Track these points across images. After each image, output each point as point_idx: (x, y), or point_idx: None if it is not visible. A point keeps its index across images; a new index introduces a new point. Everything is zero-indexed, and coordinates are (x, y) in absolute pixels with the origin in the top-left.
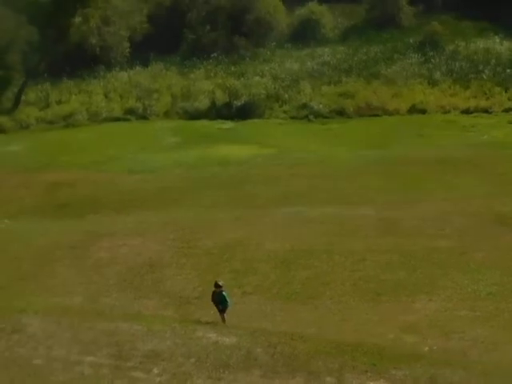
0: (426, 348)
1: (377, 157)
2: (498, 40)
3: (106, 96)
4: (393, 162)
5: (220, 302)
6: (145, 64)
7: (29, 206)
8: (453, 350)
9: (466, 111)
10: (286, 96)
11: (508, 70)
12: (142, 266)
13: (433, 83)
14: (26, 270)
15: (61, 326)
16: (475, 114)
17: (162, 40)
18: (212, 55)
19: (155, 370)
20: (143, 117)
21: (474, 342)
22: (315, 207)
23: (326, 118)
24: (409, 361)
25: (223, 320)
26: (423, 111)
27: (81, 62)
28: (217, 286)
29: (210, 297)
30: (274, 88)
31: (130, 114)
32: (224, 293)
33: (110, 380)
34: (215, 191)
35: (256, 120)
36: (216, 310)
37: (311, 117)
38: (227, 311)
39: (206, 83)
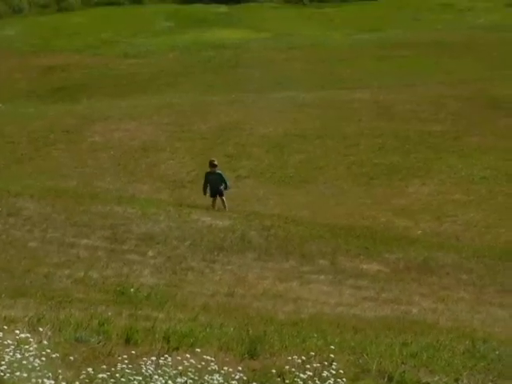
0: (419, 231)
1: (372, 40)
2: None
3: None
4: (388, 46)
5: (219, 182)
6: None
7: (24, 90)
8: (445, 233)
9: None
10: None
11: None
12: (136, 150)
13: None
14: (21, 153)
15: (56, 209)
16: None
17: None
18: None
19: (150, 253)
20: (137, 0)
21: (467, 225)
22: (309, 91)
23: (320, 1)
24: (402, 244)
25: (224, 205)
26: None
27: None
28: (212, 165)
29: (203, 185)
30: None
31: None
32: (219, 171)
33: (105, 262)
34: (210, 75)
35: (250, 4)
36: (210, 198)
37: (305, 0)
38: (226, 195)
39: None
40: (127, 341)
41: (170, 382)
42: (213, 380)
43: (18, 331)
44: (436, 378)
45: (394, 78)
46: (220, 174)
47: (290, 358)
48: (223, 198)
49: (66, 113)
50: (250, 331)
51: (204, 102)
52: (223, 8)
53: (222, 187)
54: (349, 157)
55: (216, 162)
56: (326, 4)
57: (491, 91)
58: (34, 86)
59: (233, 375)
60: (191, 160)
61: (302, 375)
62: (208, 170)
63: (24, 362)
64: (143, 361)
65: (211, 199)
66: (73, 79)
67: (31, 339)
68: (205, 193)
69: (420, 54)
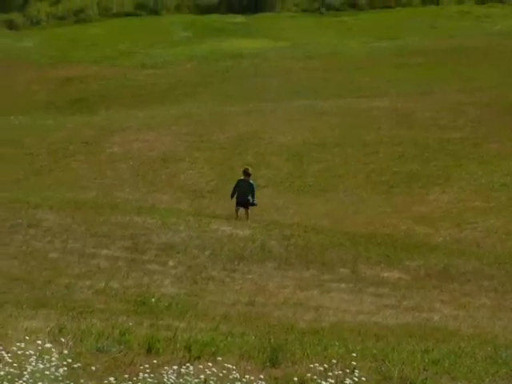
0: (440, 238)
1: (390, 48)
2: None
3: None
4: (406, 54)
5: (248, 194)
6: None
7: (42, 102)
8: (466, 240)
9: (481, 1)
10: None
11: None
12: (155, 161)
13: None
14: (41, 164)
15: (75, 220)
16: (489, 4)
17: None
18: None
19: (170, 263)
20: (154, 11)
21: (488, 232)
22: (328, 100)
23: (338, 10)
24: (422, 251)
25: (247, 216)
26: (436, 2)
27: None
28: (246, 173)
29: (232, 191)
30: None
31: (141, 8)
32: (252, 181)
33: (125, 272)
34: (228, 85)
35: (267, 13)
36: (235, 205)
37: (323, 9)
38: (251, 210)
39: None
40: (149, 350)
41: None
42: None
43: (39, 342)
44: None
45: (412, 86)
46: (252, 185)
47: (311, 365)
48: (248, 210)
49: (85, 124)
50: (272, 340)
51: (222, 111)
52: (240, 18)
53: (249, 199)
54: (368, 165)
55: (250, 171)
56: (343, 12)
57: (510, 97)
58: (53, 98)
59: (254, 383)
60: (210, 170)
61: (324, 383)
62: (242, 177)
63: (46, 372)
64: (165, 370)
65: (235, 207)
66: (91, 90)
67: (53, 349)
68: (232, 197)
69: (438, 61)
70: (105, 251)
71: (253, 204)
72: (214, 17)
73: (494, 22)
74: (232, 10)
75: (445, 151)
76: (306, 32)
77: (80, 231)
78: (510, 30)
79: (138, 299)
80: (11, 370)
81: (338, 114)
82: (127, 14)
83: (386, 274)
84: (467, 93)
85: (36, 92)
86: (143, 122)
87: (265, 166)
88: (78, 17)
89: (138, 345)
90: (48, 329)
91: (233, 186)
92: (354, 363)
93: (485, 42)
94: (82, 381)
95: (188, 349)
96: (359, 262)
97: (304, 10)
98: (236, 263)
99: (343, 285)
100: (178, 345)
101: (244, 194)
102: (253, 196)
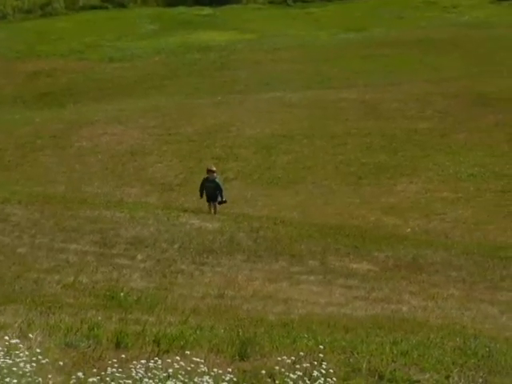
0: (408, 229)
1: (357, 39)
2: None
3: None
4: (373, 45)
5: (215, 191)
6: None
7: (9, 96)
8: (434, 231)
9: None
10: None
11: None
12: (124, 154)
13: None
14: (8, 159)
15: (44, 214)
16: None
17: None
18: None
19: (139, 257)
20: (121, 4)
21: (456, 222)
22: (296, 92)
23: (305, 1)
24: (391, 242)
25: (215, 210)
26: None
27: None
28: (210, 171)
29: (199, 188)
30: None
31: (108, 1)
32: (217, 180)
33: (94, 267)
34: (195, 78)
35: (234, 5)
36: (205, 201)
37: (290, 1)
38: (221, 204)
39: None
40: (117, 345)
41: None
42: (202, 382)
43: (7, 337)
44: (426, 376)
45: (380, 77)
46: (217, 184)
47: (280, 358)
48: (216, 204)
49: (53, 118)
50: (241, 333)
51: (190, 104)
52: (207, 10)
53: (219, 199)
54: (337, 156)
55: (213, 169)
56: (311, 4)
57: (477, 88)
58: (20, 92)
59: (223, 377)
60: (179, 163)
61: (292, 375)
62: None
63: (14, 368)
64: (133, 364)
65: (207, 204)
66: (58, 84)
67: (21, 345)
68: (201, 195)
69: (405, 52)
70: (73, 246)
71: (222, 202)
72: (181, 9)
73: (461, 12)
74: (199, 1)
75: (412, 142)
76: (274, 24)
77: (48, 226)
78: (477, 20)
79: (107, 293)
80: None
81: (306, 105)
82: (93, 7)
83: (354, 266)
84: (434, 83)
85: (3, 86)
86: (111, 115)
87: (233, 159)
88: (44, 10)
89: (107, 339)
90: (16, 324)
91: (200, 182)
92: (321, 355)
93: (452, 33)
94: (50, 376)
95: (157, 343)
96: (328, 254)
97: (271, 2)
98: (205, 256)
99: (312, 277)
100: (147, 339)
101: (213, 194)
102: (221, 195)
